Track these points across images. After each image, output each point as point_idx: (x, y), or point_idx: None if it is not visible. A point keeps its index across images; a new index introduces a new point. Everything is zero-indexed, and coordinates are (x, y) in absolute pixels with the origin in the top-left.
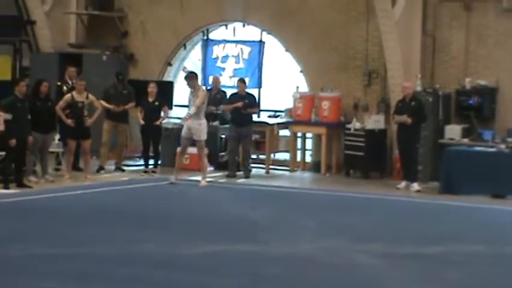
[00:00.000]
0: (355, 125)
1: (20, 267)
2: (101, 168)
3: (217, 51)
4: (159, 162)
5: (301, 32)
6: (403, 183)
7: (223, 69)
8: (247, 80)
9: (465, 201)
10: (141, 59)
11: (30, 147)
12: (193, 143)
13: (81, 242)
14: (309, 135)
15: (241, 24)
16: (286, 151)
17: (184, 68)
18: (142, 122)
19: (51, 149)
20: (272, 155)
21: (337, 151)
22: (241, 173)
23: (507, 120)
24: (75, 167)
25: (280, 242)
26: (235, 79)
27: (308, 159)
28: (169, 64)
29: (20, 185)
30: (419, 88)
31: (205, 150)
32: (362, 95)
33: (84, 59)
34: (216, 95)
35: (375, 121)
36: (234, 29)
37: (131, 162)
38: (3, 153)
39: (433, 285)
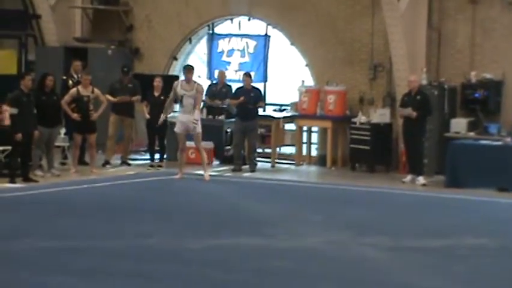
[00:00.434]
0: (361, 118)
1: (25, 261)
2: (106, 163)
3: (222, 45)
4: (165, 156)
5: (307, 26)
6: (408, 177)
7: (229, 63)
8: (252, 74)
9: (471, 194)
10: (147, 53)
11: (36, 142)
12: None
13: (86, 236)
14: (314, 129)
15: (246, 18)
16: (292, 145)
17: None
18: (148, 116)
19: (57, 143)
20: (278, 149)
21: (343, 145)
22: (246, 166)
23: None
24: (81, 161)
25: (286, 235)
26: (241, 73)
27: (314, 153)
28: (175, 58)
29: (26, 179)
30: (424, 82)
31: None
32: (367, 88)
33: (90, 53)
34: (221, 89)
35: (380, 115)
36: (239, 23)
37: (137, 156)
38: (9, 147)
39: (439, 279)
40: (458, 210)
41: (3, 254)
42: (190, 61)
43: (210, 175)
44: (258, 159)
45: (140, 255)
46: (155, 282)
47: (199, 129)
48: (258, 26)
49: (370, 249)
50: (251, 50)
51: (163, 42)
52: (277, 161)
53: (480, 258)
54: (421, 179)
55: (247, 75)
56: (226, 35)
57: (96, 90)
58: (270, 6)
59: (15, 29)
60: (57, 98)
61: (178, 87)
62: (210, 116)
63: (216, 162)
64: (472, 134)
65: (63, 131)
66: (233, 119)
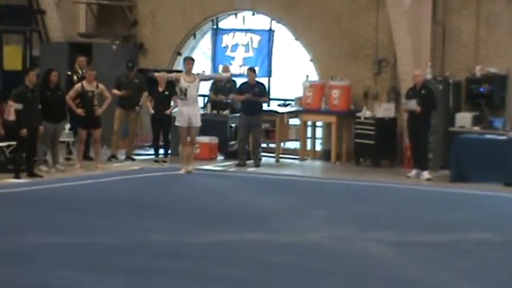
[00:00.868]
0: (365, 113)
1: (30, 256)
2: (112, 156)
3: (226, 40)
4: (169, 151)
5: (311, 21)
6: (413, 172)
7: (233, 58)
8: (257, 69)
9: (475, 189)
10: (151, 49)
11: (41, 137)
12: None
13: (91, 231)
14: (319, 123)
15: (250, 13)
16: (296, 140)
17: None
18: (152, 111)
19: (61, 139)
20: (282, 144)
21: (347, 140)
22: (251, 161)
23: None
24: (86, 156)
25: (290, 230)
26: (245, 68)
27: (318, 147)
28: (179, 53)
29: (31, 174)
30: (429, 76)
31: None
32: (372, 83)
33: (94, 48)
34: (225, 84)
35: (385, 109)
36: (243, 18)
37: (141, 152)
38: (14, 142)
39: (444, 273)
40: (463, 205)
41: (9, 249)
42: (194, 56)
43: (196, 169)
44: (262, 154)
45: (144, 251)
46: (159, 277)
47: (200, 122)
48: (262, 21)
49: (374, 244)
50: (255, 45)
51: (168, 38)
52: (281, 156)
53: (485, 252)
54: (425, 174)
55: (251, 70)
56: (230, 30)
57: (100, 85)
58: (274, 1)
59: (19, 25)
60: (62, 93)
61: (182, 81)
62: (215, 111)
63: (220, 157)
64: (476, 128)
65: (68, 126)
66: (237, 114)
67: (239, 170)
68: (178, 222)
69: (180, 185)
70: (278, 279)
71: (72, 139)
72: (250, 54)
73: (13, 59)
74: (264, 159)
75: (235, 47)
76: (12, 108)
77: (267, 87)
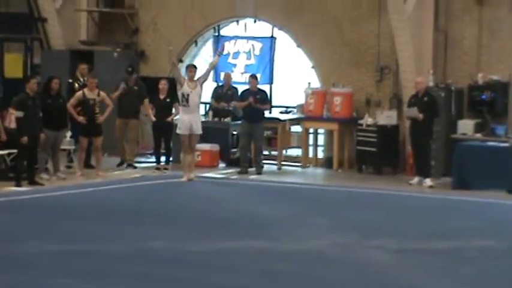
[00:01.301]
0: (367, 120)
1: (31, 264)
2: (121, 163)
3: (228, 47)
4: (171, 159)
5: (313, 28)
6: (415, 179)
7: (235, 65)
8: (258, 76)
9: (478, 196)
10: (152, 56)
11: (42, 145)
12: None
13: (91, 239)
14: (321, 131)
15: (252, 20)
16: (298, 147)
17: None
18: (153, 118)
19: (62, 147)
20: (284, 151)
21: (350, 147)
22: (253, 169)
23: None
24: (87, 164)
25: (292, 238)
26: (247, 75)
27: (320, 155)
28: (181, 61)
29: (32, 182)
30: (431, 83)
31: None
32: (374, 90)
33: (95, 56)
34: (227, 92)
35: (387, 117)
36: (245, 25)
37: (143, 159)
38: (15, 150)
39: (446, 281)
40: (465, 212)
41: (10, 257)
42: (196, 64)
43: (197, 177)
44: (264, 161)
45: (145, 259)
46: (159, 285)
47: (200, 130)
48: (263, 28)
49: (376, 251)
50: (257, 52)
51: (169, 45)
52: (283, 163)
53: (487, 260)
54: (428, 181)
55: (253, 77)
56: (232, 37)
57: (102, 93)
58: (276, 8)
59: (21, 33)
60: (63, 101)
61: (185, 85)
62: (216, 119)
63: (222, 165)
64: (479, 135)
65: (69, 134)
66: (239, 121)
67: (241, 178)
68: (180, 230)
69: (182, 192)
70: (280, 287)
71: (73, 147)
72: (252, 61)
73: (14, 66)
74: (265, 166)
75: (236, 54)
76: (13, 116)
77: (268, 95)
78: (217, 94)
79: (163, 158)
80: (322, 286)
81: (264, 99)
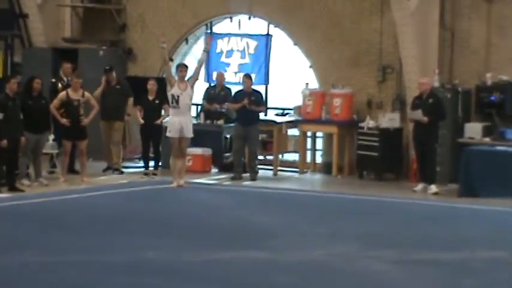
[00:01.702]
0: (369, 123)
1: (15, 277)
2: (107, 168)
3: (221, 45)
4: (160, 163)
5: (311, 25)
6: (420, 186)
7: (228, 64)
8: (253, 76)
9: (486, 204)
10: (140, 54)
11: (22, 149)
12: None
13: (77, 249)
14: (319, 134)
15: (247, 16)
16: (295, 151)
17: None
18: (141, 121)
19: (45, 151)
20: (280, 156)
21: (350, 151)
22: (247, 175)
23: None
24: (71, 170)
25: (289, 248)
26: (241, 75)
27: (318, 160)
28: (171, 59)
29: (12, 188)
30: (437, 84)
31: None
32: (376, 91)
33: (80, 54)
34: (220, 92)
35: (389, 119)
36: (239, 22)
37: (130, 164)
38: None
39: None
40: (472, 221)
41: None
42: (187, 62)
43: (188, 183)
44: (259, 166)
45: (135, 270)
46: None
47: (191, 133)
48: (259, 25)
49: (377, 262)
50: (252, 50)
51: (158, 43)
52: (279, 168)
53: (496, 272)
54: (433, 188)
55: (247, 77)
56: (225, 35)
57: (86, 93)
58: (272, 4)
59: (0, 29)
60: (46, 102)
61: (175, 86)
62: (208, 121)
63: (214, 170)
64: (487, 139)
65: (51, 137)
66: (232, 124)
67: (234, 184)
68: (171, 239)
69: (172, 199)
70: None
71: (56, 151)
72: (247, 60)
73: None
74: (260, 172)
75: (230, 53)
76: None
77: (264, 96)
78: (209, 95)
79: (151, 163)
80: None
81: (259, 101)
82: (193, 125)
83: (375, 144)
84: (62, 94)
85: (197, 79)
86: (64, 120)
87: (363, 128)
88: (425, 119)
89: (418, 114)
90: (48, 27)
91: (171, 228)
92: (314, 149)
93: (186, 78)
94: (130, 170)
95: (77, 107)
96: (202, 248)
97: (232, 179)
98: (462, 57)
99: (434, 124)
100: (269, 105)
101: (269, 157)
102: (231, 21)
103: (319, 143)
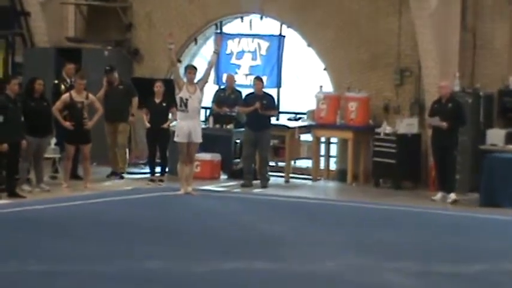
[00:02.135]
0: (386, 129)
1: (14, 285)
2: (112, 174)
3: (231, 46)
4: (167, 169)
5: (325, 25)
6: (439, 195)
7: (239, 66)
8: (264, 78)
9: (508, 214)
10: (147, 55)
11: (23, 153)
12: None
13: (80, 258)
14: (333, 140)
15: (258, 16)
16: (308, 158)
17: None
18: (148, 125)
19: (46, 155)
20: (292, 162)
21: (365, 158)
22: (258, 182)
23: None
24: (74, 175)
25: (301, 259)
26: (252, 77)
27: (332, 167)
28: (179, 61)
29: (12, 194)
30: (457, 88)
31: None
32: (393, 95)
33: (84, 54)
34: (230, 95)
35: (407, 125)
36: (250, 22)
37: (136, 170)
38: None
39: None
40: (494, 232)
41: None
42: (195, 64)
43: (196, 190)
44: (270, 173)
45: (139, 280)
46: None
47: (200, 138)
48: (271, 25)
49: (395, 274)
50: (263, 51)
51: (166, 43)
52: (291, 175)
53: None
54: (452, 195)
55: (258, 79)
56: (235, 35)
57: (90, 95)
58: (285, 3)
59: (1, 28)
60: (48, 104)
61: (184, 89)
62: (218, 125)
63: (223, 177)
64: (510, 146)
65: (53, 141)
66: (243, 129)
67: (244, 191)
68: (178, 249)
69: (179, 207)
70: None
71: (58, 155)
72: (258, 62)
73: None
74: (272, 179)
75: (240, 54)
76: None
77: (275, 99)
78: (218, 98)
79: (158, 169)
80: None
81: (271, 104)
82: (202, 129)
83: (392, 150)
84: (65, 96)
85: (207, 81)
86: (67, 123)
87: (379, 133)
88: (445, 124)
89: (436, 120)
90: (51, 26)
91: (177, 237)
92: (328, 156)
93: (195, 81)
94: (136, 176)
95: (81, 109)
96: (210, 257)
97: (242, 186)
98: (484, 60)
99: (454, 130)
100: (281, 109)
101: (281, 164)
102: (242, 21)
103: (333, 149)
